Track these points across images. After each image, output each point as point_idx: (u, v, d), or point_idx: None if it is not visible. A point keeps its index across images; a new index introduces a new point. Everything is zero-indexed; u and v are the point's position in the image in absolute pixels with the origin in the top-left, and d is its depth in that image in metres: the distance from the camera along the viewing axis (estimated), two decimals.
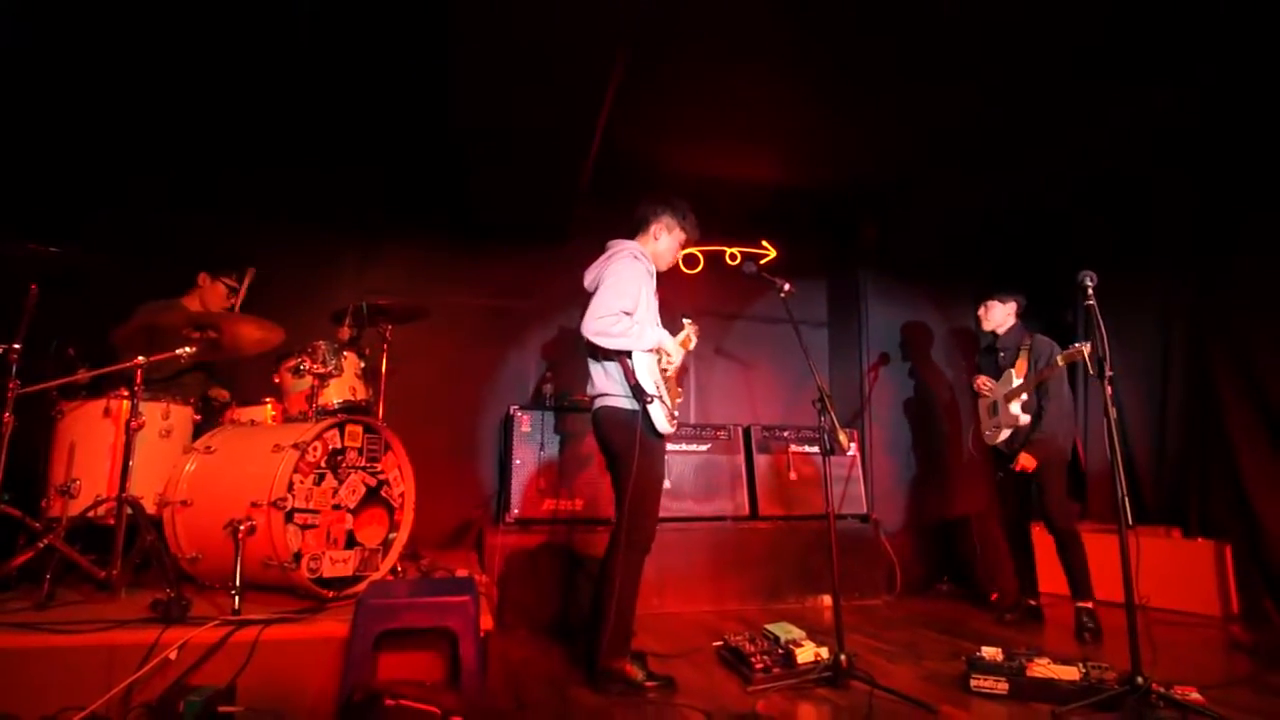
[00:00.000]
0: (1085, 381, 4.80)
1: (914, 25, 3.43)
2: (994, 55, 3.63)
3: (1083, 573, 3.67)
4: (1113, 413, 2.68)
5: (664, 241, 3.06)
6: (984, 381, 4.08)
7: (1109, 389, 2.72)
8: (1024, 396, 3.78)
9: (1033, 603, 3.92)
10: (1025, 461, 3.76)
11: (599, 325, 2.73)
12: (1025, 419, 3.81)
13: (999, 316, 4.03)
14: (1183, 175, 4.54)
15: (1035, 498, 3.90)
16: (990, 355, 4.12)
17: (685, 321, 3.09)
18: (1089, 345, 3.04)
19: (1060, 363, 3.52)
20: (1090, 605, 3.61)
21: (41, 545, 2.61)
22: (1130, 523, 2.54)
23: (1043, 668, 2.68)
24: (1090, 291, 2.80)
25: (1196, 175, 4.49)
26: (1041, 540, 3.96)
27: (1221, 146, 4.28)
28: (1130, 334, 4.69)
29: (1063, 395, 3.82)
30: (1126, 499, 2.54)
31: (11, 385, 2.64)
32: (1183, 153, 4.39)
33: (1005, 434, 3.90)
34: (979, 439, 4.13)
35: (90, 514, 2.83)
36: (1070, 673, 2.64)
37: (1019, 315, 4.05)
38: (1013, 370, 3.88)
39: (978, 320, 4.15)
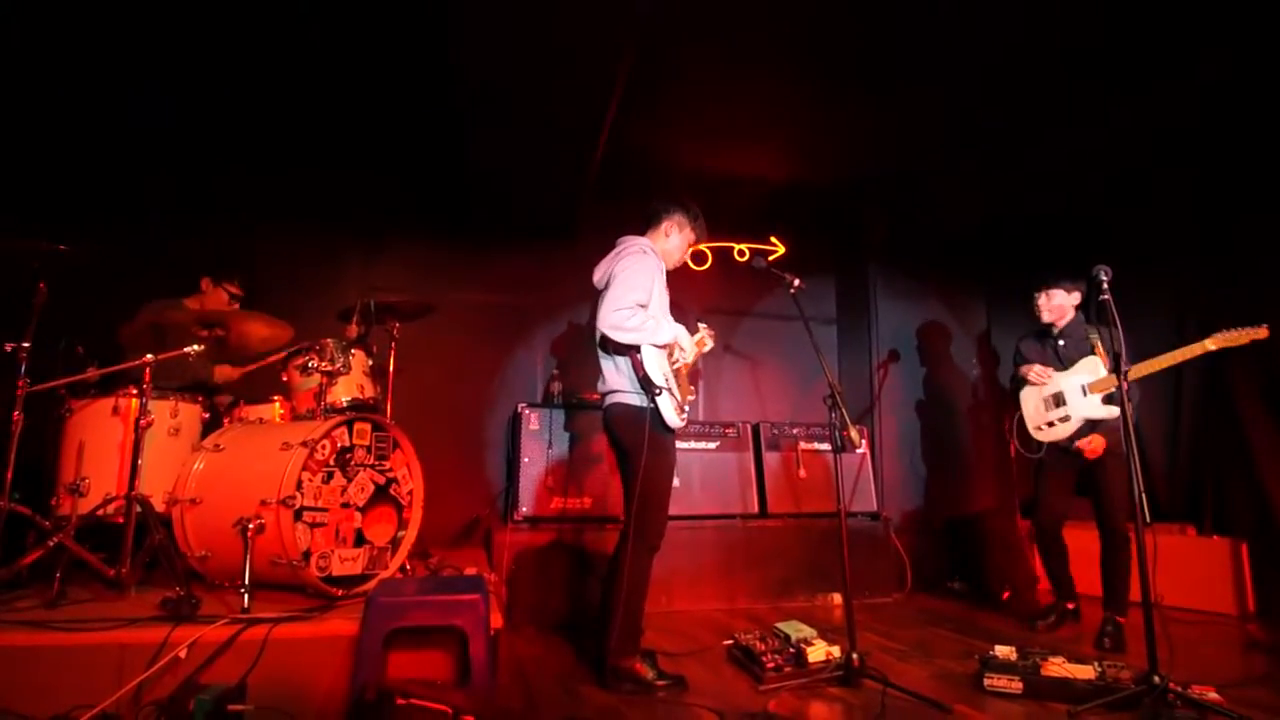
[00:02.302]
0: None
1: (917, 23, 3.41)
2: (999, 53, 3.61)
3: (1125, 581, 3.44)
4: (1129, 408, 2.65)
5: (674, 239, 3.06)
6: (1043, 371, 3.72)
7: (1125, 384, 2.69)
8: (1111, 389, 3.48)
9: (1070, 606, 3.73)
10: (1096, 444, 3.47)
11: (615, 319, 2.72)
12: (1112, 413, 3.47)
13: (1064, 304, 3.69)
14: (1192, 168, 4.49)
15: (1094, 495, 3.60)
16: (1042, 343, 3.81)
17: (701, 325, 3.09)
18: (1263, 329, 2.84)
19: (1211, 347, 3.14)
20: (1123, 621, 3.40)
21: (51, 544, 2.61)
22: (1148, 520, 2.51)
23: (1058, 667, 2.65)
24: (1105, 286, 2.77)
25: (1206, 168, 4.44)
26: (1072, 541, 3.76)
27: (1231, 138, 4.23)
28: (1142, 328, 4.61)
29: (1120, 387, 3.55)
30: (1143, 496, 2.50)
31: (20, 384, 2.65)
32: (1191, 145, 4.34)
33: (1073, 427, 3.60)
34: (1025, 433, 3.81)
35: (100, 512, 2.83)
36: (1086, 672, 2.61)
37: (1078, 307, 3.74)
38: (1095, 359, 3.56)
39: (1035, 308, 3.77)
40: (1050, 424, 3.70)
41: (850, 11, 3.37)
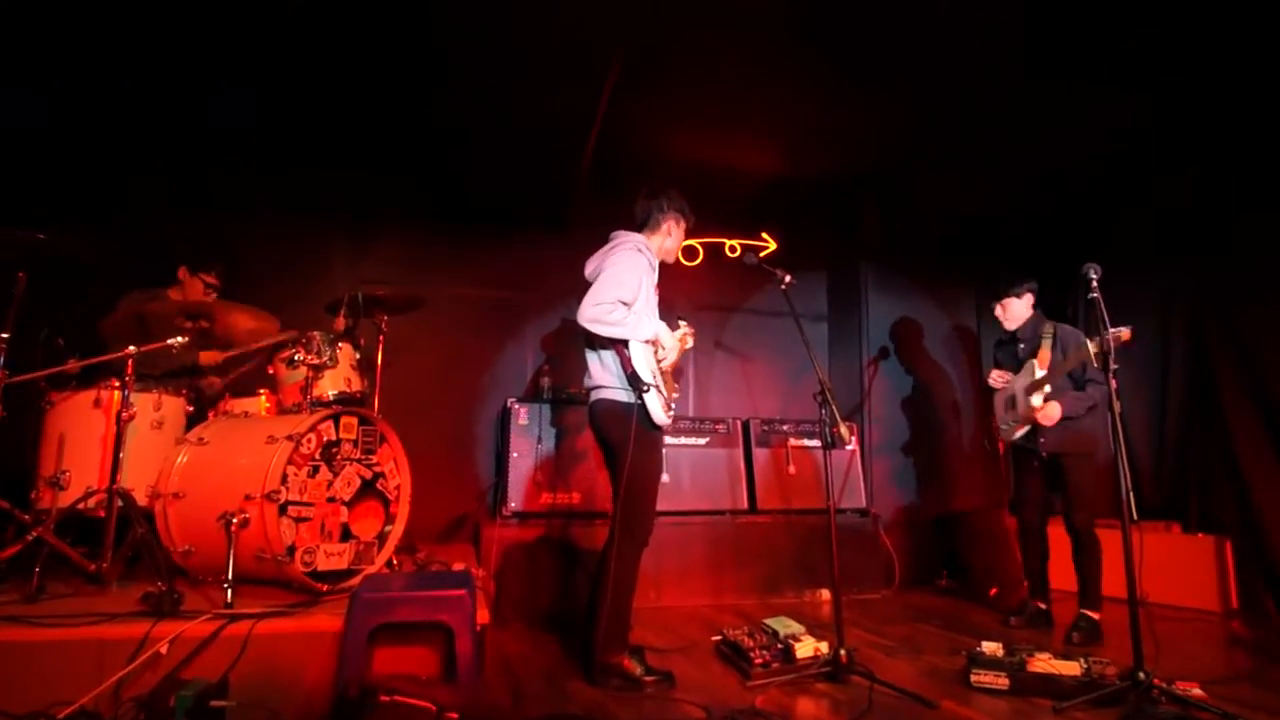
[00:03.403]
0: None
1: (911, 18, 3.40)
2: (992, 51, 3.62)
3: (1095, 579, 3.48)
4: (1117, 406, 2.66)
5: (674, 237, 3.05)
6: (999, 375, 3.87)
7: (1114, 382, 2.69)
8: (1047, 389, 3.55)
9: (1042, 606, 3.75)
10: (1051, 411, 3.49)
11: (594, 312, 2.71)
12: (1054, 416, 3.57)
13: (1020, 311, 3.79)
14: (1182, 169, 4.52)
15: (1060, 490, 3.63)
16: (1008, 347, 3.90)
17: (681, 322, 3.06)
18: (1127, 330, 2.87)
19: (1092, 350, 3.10)
20: (1096, 616, 3.44)
21: (30, 538, 2.59)
22: (1135, 518, 2.52)
23: (1044, 663, 2.66)
24: (1094, 284, 2.77)
25: (1196, 170, 4.47)
26: (1055, 538, 3.76)
27: (1218, 143, 4.27)
28: (1130, 325, 4.65)
29: (1103, 380, 3.38)
30: (1131, 494, 2.51)
31: None
32: (1180, 149, 4.38)
33: (1025, 429, 3.68)
34: (994, 435, 3.93)
35: (80, 506, 2.79)
36: (1072, 668, 2.63)
37: (1036, 303, 3.83)
38: (1035, 361, 3.64)
39: (996, 321, 3.89)
40: (1008, 426, 3.80)
41: (845, 7, 3.36)
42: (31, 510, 2.87)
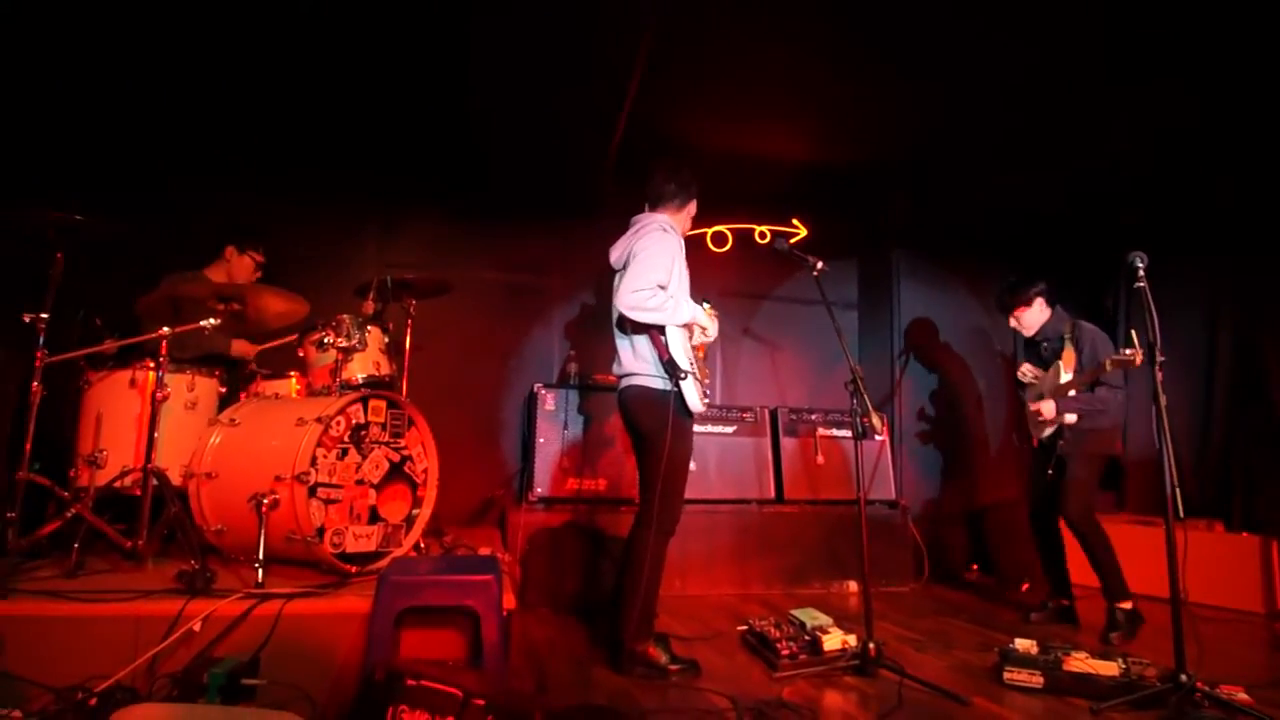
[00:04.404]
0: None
1: (943, 6, 3.30)
2: (1038, 44, 3.50)
3: (1111, 569, 3.39)
4: (1163, 400, 2.56)
5: (691, 215, 3.04)
6: (1027, 369, 3.80)
7: (1159, 375, 2.60)
8: (1071, 394, 3.49)
9: (1065, 602, 3.66)
10: (1046, 409, 3.52)
11: (634, 299, 2.67)
12: (1070, 419, 3.51)
13: (1034, 318, 3.71)
14: (1228, 165, 4.34)
15: (1057, 484, 3.58)
16: (1033, 345, 3.81)
17: (705, 306, 3.02)
18: (1139, 352, 2.84)
19: (1108, 368, 3.18)
20: (1128, 606, 3.35)
21: (69, 514, 2.64)
22: (1180, 515, 2.43)
23: (1080, 662, 2.59)
24: (1141, 273, 2.67)
25: (1244, 165, 4.30)
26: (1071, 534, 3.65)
27: (1265, 139, 4.10)
28: (1173, 321, 4.47)
29: (1119, 384, 3.48)
30: (1177, 489, 2.43)
31: (39, 355, 2.64)
32: (1226, 145, 4.22)
33: (1049, 430, 3.63)
34: (1024, 430, 3.86)
35: (117, 484, 2.85)
36: (1109, 668, 2.55)
37: (1050, 302, 3.72)
38: (1060, 363, 3.57)
39: (1014, 332, 3.83)
40: (1039, 423, 3.71)
41: None
42: (71, 487, 2.93)
